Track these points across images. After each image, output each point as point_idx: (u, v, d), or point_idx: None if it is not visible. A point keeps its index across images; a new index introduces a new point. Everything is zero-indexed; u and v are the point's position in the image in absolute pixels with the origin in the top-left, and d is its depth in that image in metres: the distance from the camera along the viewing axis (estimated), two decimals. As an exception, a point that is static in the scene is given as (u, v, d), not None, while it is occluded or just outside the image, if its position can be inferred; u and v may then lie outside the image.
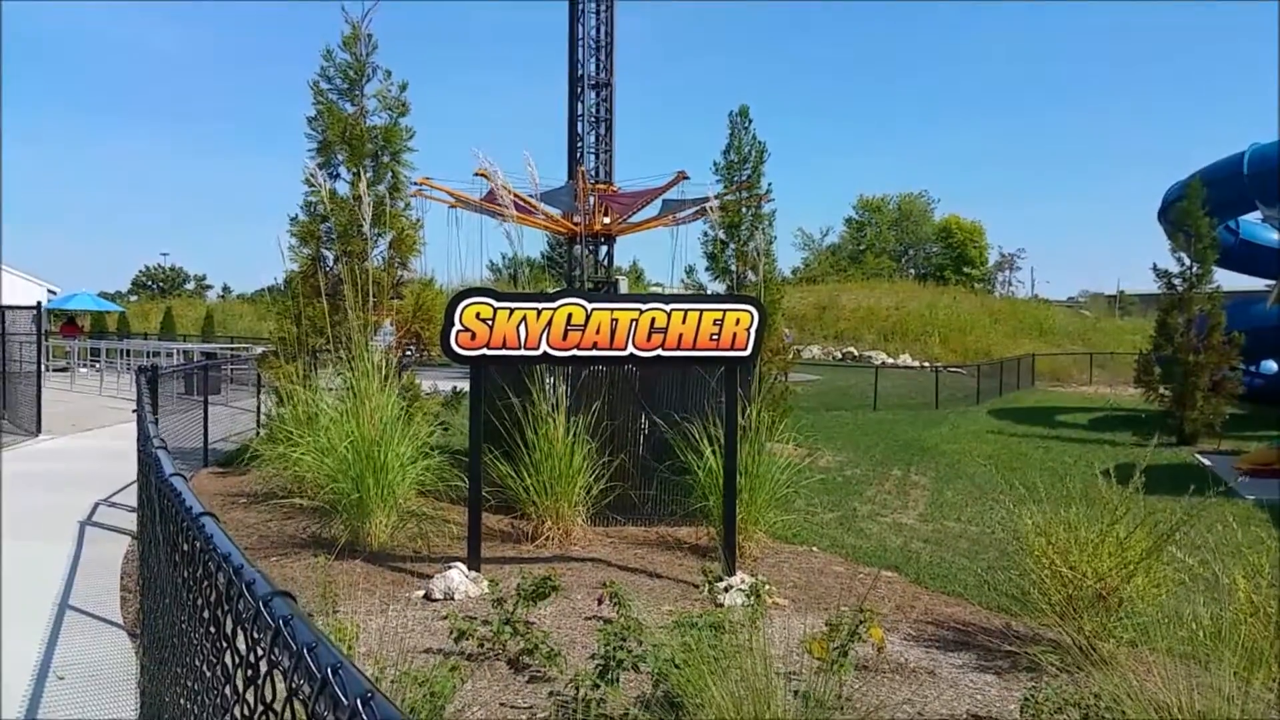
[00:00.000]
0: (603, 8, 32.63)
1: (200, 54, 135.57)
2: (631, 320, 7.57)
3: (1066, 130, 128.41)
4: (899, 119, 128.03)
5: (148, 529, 3.67)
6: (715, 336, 7.68)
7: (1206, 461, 17.05)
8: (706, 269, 18.24)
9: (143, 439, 4.42)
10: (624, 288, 32.51)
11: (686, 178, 27.43)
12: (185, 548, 2.23)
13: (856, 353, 46.49)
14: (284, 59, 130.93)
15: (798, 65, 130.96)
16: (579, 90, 32.74)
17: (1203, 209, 20.92)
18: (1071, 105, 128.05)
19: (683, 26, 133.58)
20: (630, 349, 7.57)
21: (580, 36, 32.76)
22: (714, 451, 8.33)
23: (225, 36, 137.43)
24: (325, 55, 12.33)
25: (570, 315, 7.49)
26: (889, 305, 51.92)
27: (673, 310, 7.63)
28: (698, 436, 8.50)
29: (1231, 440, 19.61)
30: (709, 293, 19.21)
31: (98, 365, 30.35)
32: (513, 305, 7.47)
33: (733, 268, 16.91)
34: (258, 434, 12.93)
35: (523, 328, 7.44)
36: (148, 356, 28.56)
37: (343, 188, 12.25)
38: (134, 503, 8.87)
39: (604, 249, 33.54)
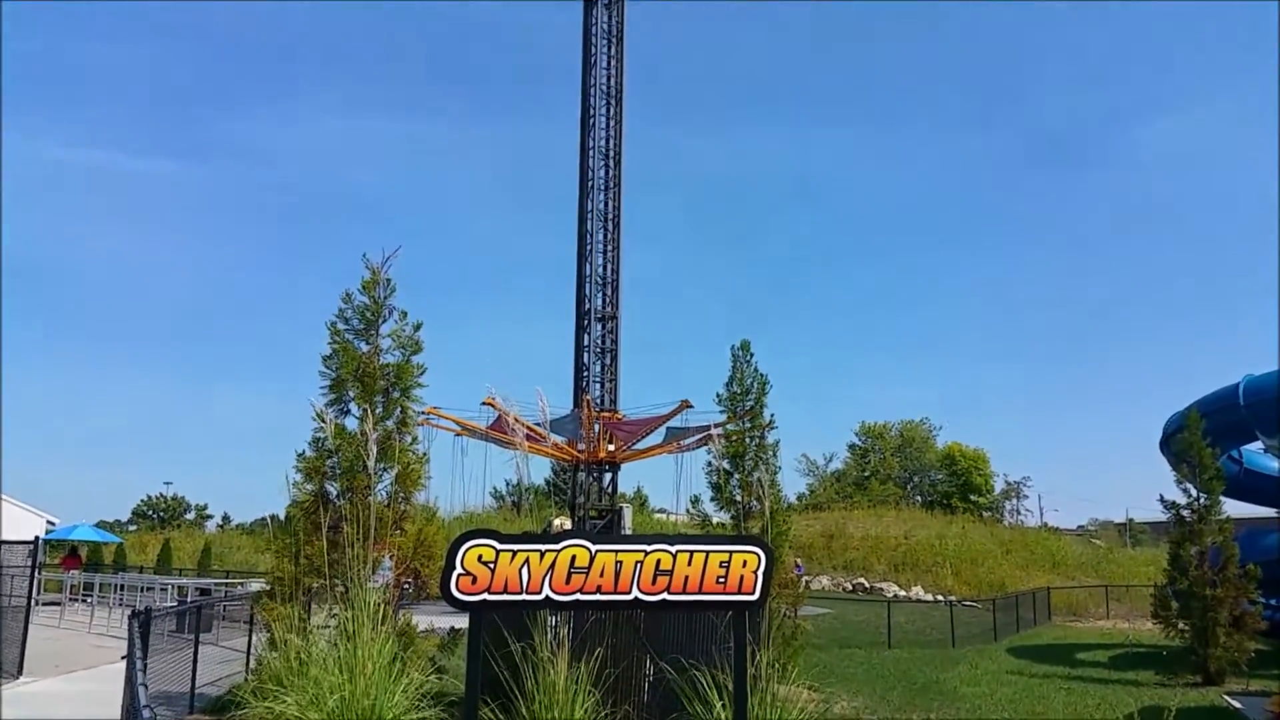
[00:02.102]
0: (609, 248, 34.36)
1: (213, 286, 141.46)
2: (636, 562, 7.45)
3: (1064, 358, 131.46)
4: (899, 350, 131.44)
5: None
6: (722, 579, 7.52)
7: (1237, 704, 16.24)
8: (712, 499, 18.14)
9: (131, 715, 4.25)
10: (628, 516, 32.22)
11: (690, 406, 27.83)
12: None
13: (867, 584, 45.38)
14: (297, 293, 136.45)
15: (796, 301, 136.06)
16: (585, 323, 33.94)
17: (1204, 439, 21.04)
18: (1066, 335, 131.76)
19: (687, 261, 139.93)
20: (635, 592, 7.41)
21: (588, 274, 34.34)
22: (723, 704, 7.96)
23: (238, 269, 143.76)
24: (344, 298, 12.87)
25: (574, 557, 7.38)
26: (897, 534, 51.21)
27: (678, 551, 7.52)
28: (706, 685, 8.14)
29: (1259, 680, 18.76)
30: (714, 522, 19.00)
31: (90, 600, 29.62)
32: (516, 547, 7.37)
33: (738, 498, 16.83)
34: (247, 678, 12.42)
35: (525, 570, 7.31)
36: (142, 591, 27.93)
37: (352, 423, 12.42)
38: (110, 758, 8.39)
39: (608, 476, 33.56)
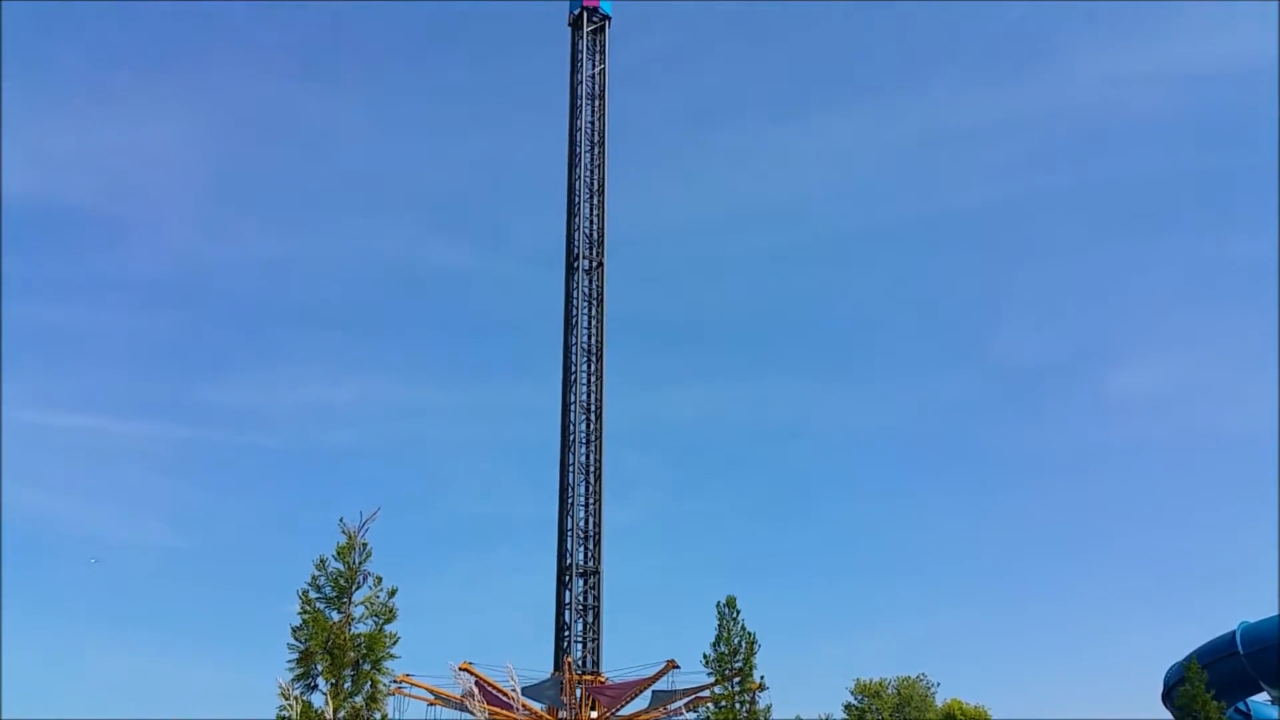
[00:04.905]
0: (591, 501, 34.38)
1: (175, 560, 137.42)
2: None
3: (1061, 606, 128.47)
4: (892, 601, 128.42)
5: None
6: None
7: None
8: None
9: None
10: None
11: (676, 666, 26.75)
12: None
13: None
14: (269, 553, 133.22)
15: (788, 544, 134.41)
16: (566, 579, 33.20)
17: (1207, 691, 20.37)
18: (1061, 583, 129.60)
19: (671, 512, 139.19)
20: None
21: (569, 528, 34.06)
22: None
23: (206, 539, 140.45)
24: (318, 565, 12.74)
25: None
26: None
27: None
28: None
29: None
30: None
31: None
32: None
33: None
34: None
35: None
36: None
37: (319, 699, 11.90)
38: None
39: (591, 746, 31.59)
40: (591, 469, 35.15)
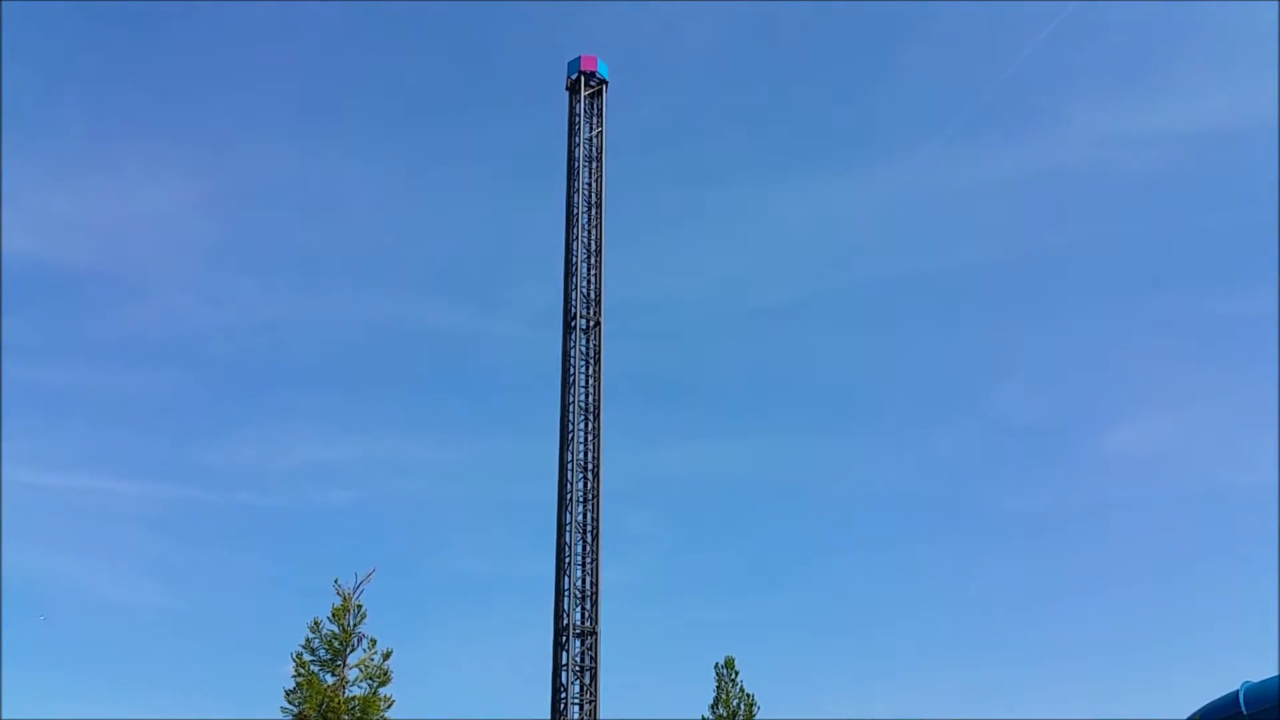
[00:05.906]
0: (589, 560, 34.13)
1: (170, 621, 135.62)
2: None
3: (1060, 665, 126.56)
4: (892, 660, 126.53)
5: None
6: None
7: None
8: None
9: None
10: None
11: (675, 734, 26.40)
12: None
13: None
14: (264, 613, 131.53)
15: (788, 602, 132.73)
16: (564, 640, 32.84)
17: (1213, 755, 20.01)
18: (1060, 641, 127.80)
19: (670, 568, 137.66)
20: None
21: (566, 588, 33.74)
22: None
23: (202, 600, 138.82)
24: (312, 627, 12.67)
25: None
26: None
27: None
28: None
29: None
30: None
31: None
32: None
33: None
34: None
35: None
36: None
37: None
38: None
39: (588, 814, 30.96)
40: (589, 528, 35.03)
